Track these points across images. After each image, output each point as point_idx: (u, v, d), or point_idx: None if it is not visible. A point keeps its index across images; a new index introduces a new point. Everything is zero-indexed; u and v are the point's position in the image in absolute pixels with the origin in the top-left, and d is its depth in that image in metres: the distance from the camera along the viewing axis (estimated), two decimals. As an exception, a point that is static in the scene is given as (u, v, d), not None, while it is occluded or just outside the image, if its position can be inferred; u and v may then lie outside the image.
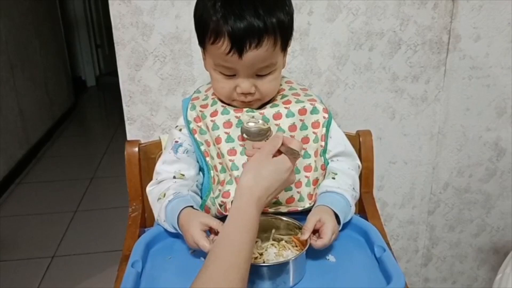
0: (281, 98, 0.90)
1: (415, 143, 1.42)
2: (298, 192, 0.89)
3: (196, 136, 0.90)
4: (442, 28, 1.28)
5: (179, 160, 0.92)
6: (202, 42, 0.84)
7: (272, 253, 0.80)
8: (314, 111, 0.89)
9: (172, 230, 0.85)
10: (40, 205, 2.57)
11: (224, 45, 0.78)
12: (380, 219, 1.04)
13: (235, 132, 0.87)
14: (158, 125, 1.28)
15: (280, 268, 0.74)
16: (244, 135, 0.83)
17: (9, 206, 2.57)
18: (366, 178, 1.11)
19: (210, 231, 0.79)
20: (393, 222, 1.53)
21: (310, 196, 0.89)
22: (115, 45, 1.19)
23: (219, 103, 0.90)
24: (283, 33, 0.81)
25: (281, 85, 0.93)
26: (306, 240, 0.77)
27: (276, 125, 0.87)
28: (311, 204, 0.89)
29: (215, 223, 0.78)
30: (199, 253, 0.82)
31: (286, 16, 0.81)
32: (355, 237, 0.88)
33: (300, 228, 0.81)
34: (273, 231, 0.84)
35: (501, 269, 1.00)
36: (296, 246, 0.81)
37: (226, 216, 0.86)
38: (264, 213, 0.86)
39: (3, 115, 2.77)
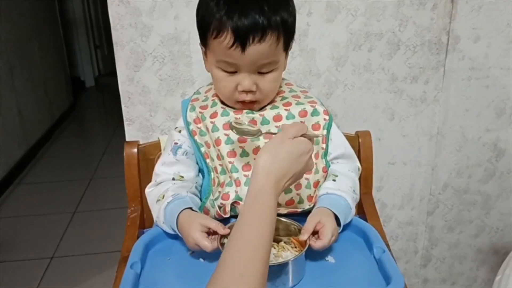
0: (281, 100, 0.90)
1: (414, 144, 1.42)
2: (297, 194, 0.89)
3: (196, 137, 0.90)
4: (441, 29, 1.28)
5: (178, 162, 0.91)
6: (204, 40, 0.84)
7: (271, 254, 0.80)
8: (315, 113, 0.89)
9: (171, 232, 0.85)
10: (39, 206, 2.57)
11: (227, 39, 0.77)
12: (379, 220, 1.03)
13: (235, 134, 0.86)
14: (157, 126, 1.28)
15: (279, 269, 0.74)
16: (234, 131, 0.82)
17: (8, 207, 2.57)
18: (365, 179, 1.11)
19: (208, 233, 0.79)
20: (392, 223, 1.53)
21: (310, 198, 0.89)
22: (114, 46, 1.19)
23: (219, 105, 0.90)
24: (286, 32, 0.81)
25: (281, 87, 0.93)
26: (306, 241, 0.77)
27: (277, 127, 0.87)
28: (311, 206, 0.88)
29: (214, 224, 0.78)
30: (198, 254, 0.82)
31: (290, 16, 0.82)
32: (355, 238, 0.88)
33: (299, 229, 0.81)
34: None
35: (500, 270, 1.00)
36: (295, 247, 0.81)
37: (225, 218, 0.87)
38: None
39: (2, 115, 2.76)
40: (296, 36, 1.09)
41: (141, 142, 1.10)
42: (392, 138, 1.40)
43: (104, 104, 4.68)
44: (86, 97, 4.69)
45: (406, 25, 1.27)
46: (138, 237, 0.89)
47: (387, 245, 0.85)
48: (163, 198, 0.87)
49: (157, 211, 0.87)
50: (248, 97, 0.84)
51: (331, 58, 1.28)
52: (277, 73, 0.85)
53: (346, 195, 0.88)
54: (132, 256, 0.81)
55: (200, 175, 0.94)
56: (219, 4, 0.78)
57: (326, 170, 0.91)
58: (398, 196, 1.49)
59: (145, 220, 1.06)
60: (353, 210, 0.89)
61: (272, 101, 0.90)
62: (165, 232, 0.87)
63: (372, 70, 1.31)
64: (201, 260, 0.82)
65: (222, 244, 0.79)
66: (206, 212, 0.89)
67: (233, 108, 0.89)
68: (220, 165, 0.88)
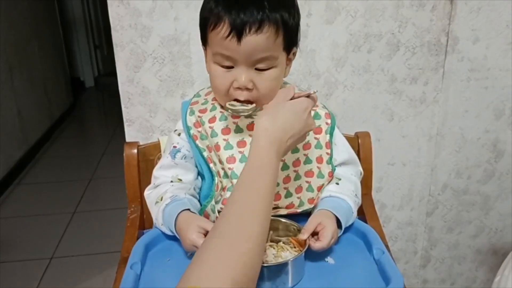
0: None
1: (413, 145, 1.42)
2: (298, 197, 0.88)
3: (197, 142, 0.89)
4: (441, 30, 1.29)
5: (176, 165, 0.91)
6: (204, 36, 0.82)
7: (271, 254, 0.80)
8: (316, 116, 0.89)
9: (170, 234, 0.85)
10: (38, 206, 2.57)
11: (223, 29, 0.75)
12: (379, 220, 1.04)
13: (234, 139, 0.86)
14: (157, 127, 1.28)
15: (279, 269, 0.74)
16: (229, 110, 0.82)
17: (7, 207, 2.57)
18: (365, 179, 1.11)
19: (205, 235, 0.79)
20: (391, 223, 1.53)
21: (311, 200, 0.89)
22: (114, 46, 1.19)
23: (218, 109, 0.88)
24: (286, 30, 0.79)
25: None
26: (305, 241, 0.77)
27: None
28: (312, 207, 0.89)
29: (211, 226, 0.78)
30: (198, 255, 0.82)
31: (291, 18, 0.79)
32: (354, 239, 0.88)
33: (299, 230, 0.81)
34: (271, 232, 0.84)
35: (499, 271, 1.00)
36: (295, 247, 0.82)
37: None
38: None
39: (2, 115, 2.76)
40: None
41: (141, 143, 1.10)
42: (391, 139, 1.40)
43: (104, 104, 4.68)
44: (85, 97, 4.69)
45: (406, 26, 1.27)
46: (138, 238, 0.89)
47: (387, 246, 0.86)
48: (161, 200, 0.87)
49: (156, 213, 0.87)
50: (243, 96, 0.80)
51: (331, 59, 1.28)
52: (275, 71, 0.81)
53: (348, 199, 0.88)
54: (132, 256, 0.81)
55: (199, 178, 0.94)
56: (218, 1, 0.77)
57: (332, 174, 0.90)
58: (397, 197, 1.49)
59: (144, 220, 1.06)
60: (355, 214, 0.89)
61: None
62: (164, 233, 0.87)
63: (371, 71, 1.31)
64: (201, 261, 0.82)
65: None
66: (207, 216, 0.88)
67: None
68: (222, 169, 0.88)
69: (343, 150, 0.94)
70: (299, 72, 1.28)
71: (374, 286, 0.76)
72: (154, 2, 1.16)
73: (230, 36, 0.75)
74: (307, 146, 0.88)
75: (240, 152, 0.86)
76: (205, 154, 0.89)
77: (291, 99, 0.76)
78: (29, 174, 2.98)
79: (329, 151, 0.90)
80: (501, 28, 1.30)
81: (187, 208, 0.83)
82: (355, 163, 0.96)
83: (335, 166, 0.92)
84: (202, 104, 0.91)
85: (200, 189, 0.94)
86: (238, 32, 0.75)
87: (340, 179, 0.91)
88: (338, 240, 0.84)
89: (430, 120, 1.39)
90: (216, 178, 0.89)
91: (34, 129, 3.27)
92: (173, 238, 0.86)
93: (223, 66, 0.80)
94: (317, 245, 0.78)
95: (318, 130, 0.89)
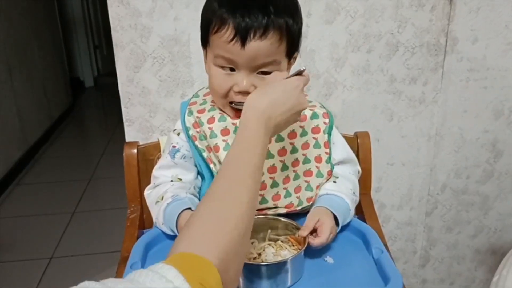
0: None
1: (413, 145, 1.42)
2: (297, 197, 0.89)
3: (196, 142, 0.89)
4: (440, 31, 1.29)
5: (176, 165, 0.91)
6: (205, 37, 0.81)
7: (270, 253, 0.81)
8: (314, 116, 0.89)
9: (171, 233, 0.85)
10: (38, 206, 2.57)
11: (227, 32, 0.75)
12: (378, 220, 1.04)
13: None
14: (157, 127, 1.28)
15: (278, 267, 0.74)
16: (233, 104, 0.82)
17: (7, 207, 2.57)
18: (364, 179, 1.11)
19: None
20: (391, 223, 1.53)
21: (310, 200, 0.89)
22: (114, 47, 1.19)
23: (217, 110, 0.88)
24: (289, 37, 0.78)
25: None
26: (305, 239, 0.77)
27: None
28: (310, 205, 0.89)
29: None
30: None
31: (295, 24, 0.79)
32: (353, 239, 0.88)
33: (298, 228, 0.81)
34: (269, 231, 0.84)
35: (497, 271, 1.00)
36: (293, 246, 0.82)
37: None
38: (262, 214, 0.87)
39: (1, 116, 2.76)
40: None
41: (140, 143, 1.10)
42: (390, 139, 1.40)
43: (103, 104, 4.68)
44: (85, 97, 4.69)
45: (405, 26, 1.27)
46: (137, 238, 0.90)
47: (386, 245, 0.86)
48: (162, 199, 0.87)
49: (157, 213, 0.87)
50: (244, 100, 0.78)
51: (330, 59, 1.28)
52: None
53: (346, 197, 0.88)
54: (132, 256, 0.81)
55: (199, 177, 0.94)
56: (222, 2, 0.77)
57: (331, 173, 0.91)
58: (396, 197, 1.49)
59: (144, 220, 1.07)
60: (352, 212, 0.89)
61: None
62: (165, 232, 0.87)
63: (371, 71, 1.31)
64: (201, 260, 0.82)
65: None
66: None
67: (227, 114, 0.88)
68: (222, 169, 0.88)
69: (341, 149, 0.94)
70: (299, 72, 1.28)
71: (373, 285, 0.76)
72: (154, 2, 1.16)
73: (234, 40, 0.75)
74: (305, 146, 0.88)
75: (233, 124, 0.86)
76: (205, 154, 0.89)
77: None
78: (28, 174, 2.98)
79: (327, 150, 0.90)
80: (500, 28, 1.31)
81: (188, 207, 0.83)
82: (353, 162, 0.97)
83: (333, 165, 0.93)
84: (201, 104, 0.91)
85: (200, 188, 0.94)
86: (242, 36, 0.74)
87: (337, 177, 0.92)
88: (337, 238, 0.84)
89: (429, 120, 1.39)
90: None
91: (34, 129, 3.27)
92: (173, 237, 0.86)
93: (224, 69, 0.79)
94: (316, 241, 0.78)
95: (316, 130, 0.89)
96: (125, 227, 1.00)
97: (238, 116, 0.83)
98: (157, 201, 0.88)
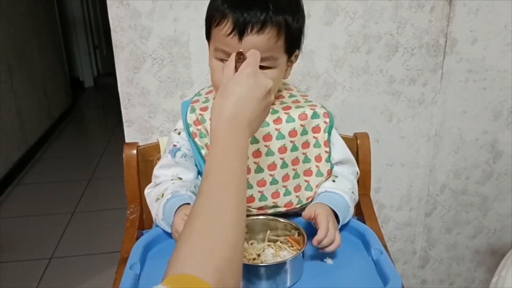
0: (281, 104, 0.90)
1: (412, 146, 1.42)
2: (296, 196, 0.89)
3: (196, 139, 0.90)
4: (439, 31, 1.29)
5: (176, 164, 0.92)
6: (208, 32, 0.84)
7: (269, 254, 0.81)
8: (315, 115, 0.90)
9: (169, 230, 0.85)
10: (38, 206, 2.57)
11: (226, 26, 0.78)
12: (377, 221, 1.04)
13: None
14: (157, 128, 1.28)
15: (277, 268, 0.75)
16: None
17: (7, 207, 2.57)
18: (363, 180, 1.11)
19: None
20: (390, 224, 1.53)
21: (309, 199, 0.90)
22: (114, 48, 1.20)
23: None
24: (288, 34, 0.80)
25: (281, 91, 0.94)
26: (304, 240, 0.78)
27: (276, 129, 0.87)
28: (310, 202, 0.89)
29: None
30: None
31: (294, 22, 0.81)
32: (353, 240, 0.88)
33: (297, 229, 0.82)
34: (268, 232, 0.85)
35: (497, 272, 1.00)
36: (292, 246, 0.82)
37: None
38: (262, 214, 0.87)
39: (1, 116, 2.76)
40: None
41: (140, 144, 1.11)
42: (390, 139, 1.40)
43: (103, 104, 4.69)
44: (85, 98, 4.69)
45: (404, 27, 1.27)
46: (137, 238, 0.90)
47: (385, 246, 0.86)
48: (162, 196, 0.88)
49: (156, 209, 0.88)
50: None
51: (330, 60, 1.28)
52: (274, 72, 0.82)
53: (345, 194, 0.88)
54: (131, 257, 0.81)
55: (199, 177, 0.94)
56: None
57: (330, 172, 0.91)
58: (396, 198, 1.49)
59: (144, 221, 1.07)
60: (352, 209, 0.90)
61: (272, 105, 0.90)
62: (164, 233, 0.87)
63: (370, 72, 1.31)
64: (200, 261, 0.82)
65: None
66: (204, 215, 0.89)
67: None
68: (221, 167, 0.88)
69: (340, 150, 0.94)
70: (298, 73, 1.28)
71: (372, 286, 0.76)
72: (154, 3, 1.16)
73: (232, 34, 0.78)
74: (306, 144, 0.89)
75: None
76: (203, 152, 0.90)
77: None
78: (28, 174, 2.99)
79: (327, 149, 0.90)
80: (500, 29, 1.31)
81: (187, 202, 0.83)
82: (351, 163, 0.97)
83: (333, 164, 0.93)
84: (203, 102, 0.92)
85: (200, 187, 0.94)
86: (240, 30, 0.77)
87: (336, 177, 0.92)
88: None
89: (429, 121, 1.39)
90: None
91: (34, 129, 3.27)
92: (172, 238, 0.87)
93: (223, 62, 0.82)
94: (318, 235, 0.77)
95: (316, 129, 0.90)
96: (124, 228, 1.00)
97: None
98: (157, 199, 0.89)
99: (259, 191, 0.86)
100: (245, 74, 0.69)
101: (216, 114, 0.66)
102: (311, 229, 0.81)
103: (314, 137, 0.90)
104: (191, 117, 0.91)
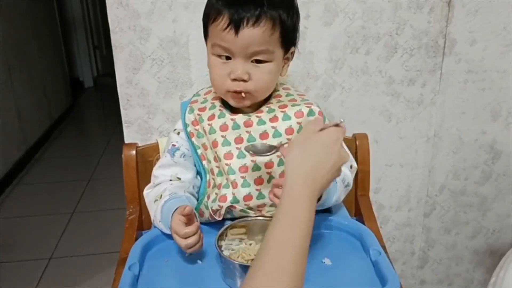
0: (277, 103, 0.91)
1: (411, 146, 1.42)
2: None
3: (193, 139, 0.91)
4: (438, 32, 1.29)
5: (176, 164, 0.93)
6: (205, 30, 0.86)
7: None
8: (311, 113, 0.90)
9: (168, 231, 0.85)
10: (37, 207, 2.57)
11: (223, 21, 0.80)
12: (376, 221, 1.04)
13: (232, 136, 0.87)
14: (156, 128, 1.28)
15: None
16: (250, 152, 0.81)
17: (6, 207, 2.57)
18: (362, 180, 1.12)
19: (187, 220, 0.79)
20: (389, 224, 1.53)
21: None
22: (113, 48, 1.20)
23: (217, 107, 0.90)
24: (282, 27, 0.82)
25: (278, 90, 0.94)
26: None
27: (273, 127, 0.87)
28: None
29: (187, 209, 0.77)
30: (196, 256, 0.82)
31: (288, 18, 0.83)
32: (351, 240, 0.89)
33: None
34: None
35: (495, 272, 1.00)
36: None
37: (219, 221, 0.87)
38: (261, 216, 0.87)
39: (1, 116, 2.77)
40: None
41: (139, 144, 1.11)
42: (389, 140, 1.41)
43: (103, 105, 4.69)
44: (84, 98, 4.69)
45: (403, 28, 1.28)
46: (136, 239, 0.90)
47: (384, 247, 0.86)
48: (160, 197, 0.88)
49: (155, 211, 0.88)
50: (239, 87, 0.83)
51: (329, 60, 1.29)
52: (271, 66, 0.84)
53: None
54: (130, 257, 0.81)
55: (198, 177, 0.95)
56: None
57: None
58: (395, 198, 1.50)
59: (143, 221, 1.07)
60: (339, 186, 0.88)
61: (268, 103, 0.91)
62: (163, 233, 0.87)
63: (369, 73, 1.31)
64: (199, 262, 0.82)
65: (220, 246, 0.80)
66: (202, 214, 0.90)
67: (231, 110, 0.90)
68: (217, 167, 0.89)
69: None
70: (297, 73, 1.28)
71: (370, 287, 0.77)
72: (153, 4, 1.17)
73: (228, 28, 0.79)
74: None
75: (237, 148, 0.87)
76: (199, 151, 0.91)
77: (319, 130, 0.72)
78: (28, 174, 2.99)
79: None
80: (498, 30, 1.31)
81: (185, 204, 0.84)
82: None
83: None
84: (202, 103, 0.93)
85: (199, 188, 0.95)
86: (236, 24, 0.79)
87: None
88: (335, 240, 0.84)
89: (428, 121, 1.39)
90: (208, 175, 0.90)
91: (33, 130, 3.27)
92: (172, 239, 0.87)
93: (221, 58, 0.84)
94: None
95: None
96: (124, 228, 1.01)
97: (238, 103, 0.87)
98: (156, 200, 0.89)
99: (257, 189, 0.86)
100: (334, 138, 0.69)
101: (295, 165, 0.65)
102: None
103: None
104: (189, 117, 0.92)
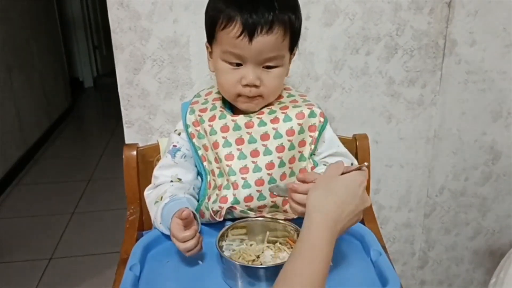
0: (279, 104, 0.91)
1: (411, 147, 1.43)
2: None
3: (194, 140, 0.91)
4: (438, 33, 1.30)
5: (176, 164, 0.93)
6: (211, 34, 0.85)
7: (269, 255, 0.81)
8: (312, 114, 0.90)
9: (168, 233, 0.85)
10: (37, 207, 2.57)
11: (235, 28, 0.79)
12: (377, 222, 1.05)
13: (233, 137, 0.87)
14: (156, 129, 1.29)
15: (277, 270, 0.74)
16: (274, 192, 0.82)
17: (6, 208, 2.57)
18: (362, 181, 1.11)
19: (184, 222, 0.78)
20: (389, 225, 1.54)
21: None
22: (114, 49, 1.20)
23: (218, 108, 0.90)
24: (292, 32, 0.83)
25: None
26: None
27: (274, 129, 0.87)
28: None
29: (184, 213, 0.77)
30: (196, 257, 0.82)
31: (297, 20, 0.84)
32: (351, 241, 0.89)
33: (296, 230, 0.82)
34: (268, 233, 0.85)
35: (495, 273, 1.01)
36: (292, 248, 0.82)
37: (219, 222, 0.87)
38: (261, 217, 0.87)
39: (1, 116, 2.77)
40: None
41: (140, 145, 1.11)
42: (389, 141, 1.41)
43: (103, 105, 4.69)
44: (84, 98, 4.69)
45: (404, 29, 1.28)
46: (137, 239, 0.90)
47: (384, 247, 0.86)
48: (161, 199, 0.88)
49: (155, 213, 0.89)
50: (251, 93, 0.85)
51: (329, 61, 1.29)
52: (281, 70, 0.86)
53: None
54: (131, 258, 0.81)
55: (199, 177, 0.95)
56: (228, 1, 0.81)
57: (314, 168, 0.92)
58: (395, 199, 1.50)
59: (144, 222, 1.07)
60: None
61: (270, 104, 0.91)
62: (164, 234, 0.88)
63: (369, 73, 1.32)
64: (200, 262, 0.82)
65: (221, 247, 0.80)
66: (202, 215, 0.89)
67: (231, 111, 0.90)
68: (218, 168, 0.89)
69: (331, 145, 0.94)
70: (298, 74, 1.29)
71: (371, 287, 0.77)
72: (154, 4, 1.17)
73: (242, 36, 0.79)
74: (302, 143, 0.89)
75: (238, 149, 0.87)
76: (200, 152, 0.91)
77: (341, 174, 0.70)
78: (28, 174, 2.99)
79: (313, 146, 0.91)
80: (498, 31, 1.31)
81: (185, 207, 0.84)
82: (345, 156, 0.97)
83: (323, 158, 0.93)
84: (203, 104, 0.93)
85: (200, 189, 0.95)
86: (250, 32, 0.78)
87: (328, 163, 0.92)
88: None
89: (428, 122, 1.40)
90: (209, 176, 0.91)
91: (33, 130, 3.27)
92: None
93: (231, 64, 0.83)
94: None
95: (313, 128, 0.90)
96: (124, 229, 1.01)
97: (249, 107, 0.87)
98: (156, 201, 0.90)
99: (257, 191, 0.86)
100: (357, 182, 0.68)
101: (317, 202, 0.64)
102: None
103: (310, 136, 0.90)
104: (190, 118, 0.92)
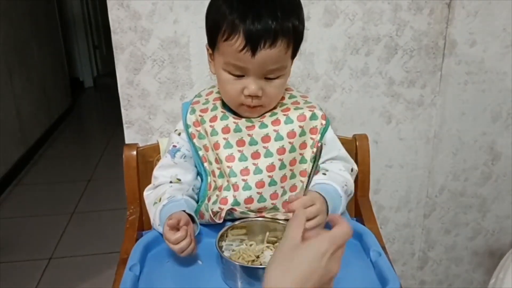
0: (280, 107, 0.91)
1: (411, 147, 1.43)
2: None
3: (194, 140, 0.91)
4: (438, 34, 1.30)
5: (176, 165, 0.92)
6: (213, 41, 0.84)
7: (268, 256, 0.81)
8: (313, 117, 0.90)
9: None
10: (37, 207, 2.57)
11: (238, 42, 0.78)
12: (376, 222, 1.04)
13: (233, 138, 0.87)
14: (156, 129, 1.29)
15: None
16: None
17: (6, 208, 2.57)
18: (362, 181, 1.12)
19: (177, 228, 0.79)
20: (389, 225, 1.54)
21: None
22: (114, 49, 1.20)
23: (219, 109, 0.90)
24: (296, 39, 0.83)
25: None
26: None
27: (275, 131, 0.87)
28: None
29: (170, 221, 0.77)
30: (196, 257, 0.82)
31: (300, 24, 0.83)
32: (351, 241, 0.87)
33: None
34: (267, 233, 0.85)
35: (494, 274, 1.01)
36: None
37: (218, 224, 0.87)
38: (261, 217, 0.87)
39: (1, 116, 2.77)
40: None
41: (140, 145, 1.11)
42: (389, 141, 1.41)
43: (103, 105, 4.69)
44: (84, 98, 4.69)
45: (404, 29, 1.28)
46: (137, 239, 0.90)
47: (384, 247, 0.86)
48: (159, 201, 0.88)
49: (154, 214, 0.89)
50: (253, 103, 0.85)
51: (329, 62, 1.29)
52: (283, 79, 0.86)
53: (336, 184, 0.88)
54: (131, 258, 0.81)
55: (199, 178, 0.95)
56: (232, 7, 0.79)
57: (316, 172, 0.91)
58: (395, 199, 1.50)
59: (144, 222, 1.07)
60: (344, 200, 0.88)
61: (272, 107, 0.91)
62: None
63: (369, 74, 1.32)
64: (200, 262, 0.82)
65: (220, 247, 0.80)
66: (202, 216, 0.89)
67: (233, 113, 0.90)
68: (218, 168, 0.89)
69: (332, 149, 0.94)
70: (298, 74, 1.29)
71: (370, 287, 0.77)
72: (154, 5, 1.17)
73: (245, 50, 0.78)
74: (303, 145, 0.89)
75: (239, 151, 0.87)
76: (201, 153, 0.91)
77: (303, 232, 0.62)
78: (28, 174, 2.99)
79: (315, 150, 0.90)
80: (498, 32, 1.31)
81: (182, 209, 0.84)
82: (345, 160, 0.97)
83: (324, 162, 0.93)
84: (203, 104, 0.93)
85: (199, 189, 0.95)
86: (253, 46, 0.77)
87: (327, 170, 0.92)
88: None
89: (428, 122, 1.40)
90: (209, 177, 0.90)
91: (33, 130, 3.27)
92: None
93: (233, 75, 0.83)
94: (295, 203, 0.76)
95: (314, 130, 0.90)
96: (124, 229, 1.01)
97: (251, 114, 0.88)
98: (155, 203, 0.89)
99: (258, 193, 0.86)
100: (321, 252, 0.59)
101: (274, 282, 0.57)
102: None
103: (311, 138, 0.90)
104: (190, 118, 0.92)
